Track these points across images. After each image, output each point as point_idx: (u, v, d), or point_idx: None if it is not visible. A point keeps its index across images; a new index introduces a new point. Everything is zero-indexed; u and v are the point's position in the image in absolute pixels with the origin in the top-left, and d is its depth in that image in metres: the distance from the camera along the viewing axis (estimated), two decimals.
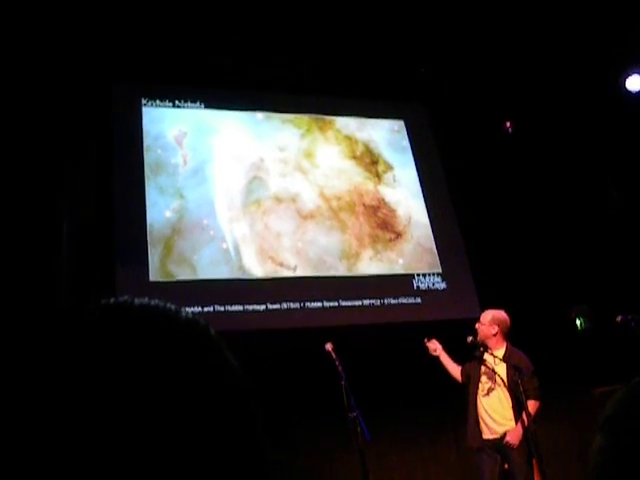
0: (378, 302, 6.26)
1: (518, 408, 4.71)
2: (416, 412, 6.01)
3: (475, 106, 7.35)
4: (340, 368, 4.55)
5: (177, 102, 6.62)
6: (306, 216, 6.48)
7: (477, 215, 7.03)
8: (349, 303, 6.16)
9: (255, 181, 6.48)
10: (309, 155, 6.85)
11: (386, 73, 7.30)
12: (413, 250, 6.71)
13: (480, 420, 4.92)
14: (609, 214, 7.34)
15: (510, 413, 4.79)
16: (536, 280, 6.73)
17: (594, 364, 6.16)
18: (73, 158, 5.92)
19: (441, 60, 7.18)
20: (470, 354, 5.15)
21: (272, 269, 6.12)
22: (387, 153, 7.21)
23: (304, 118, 7.07)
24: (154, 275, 5.73)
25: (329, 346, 4.71)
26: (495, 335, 5.02)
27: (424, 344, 5.24)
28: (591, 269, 6.91)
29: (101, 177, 6.02)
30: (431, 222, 6.88)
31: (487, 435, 4.87)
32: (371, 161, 7.10)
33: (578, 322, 6.97)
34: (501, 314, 5.12)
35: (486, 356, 5.00)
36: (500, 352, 4.98)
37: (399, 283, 6.47)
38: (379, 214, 6.78)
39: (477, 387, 4.99)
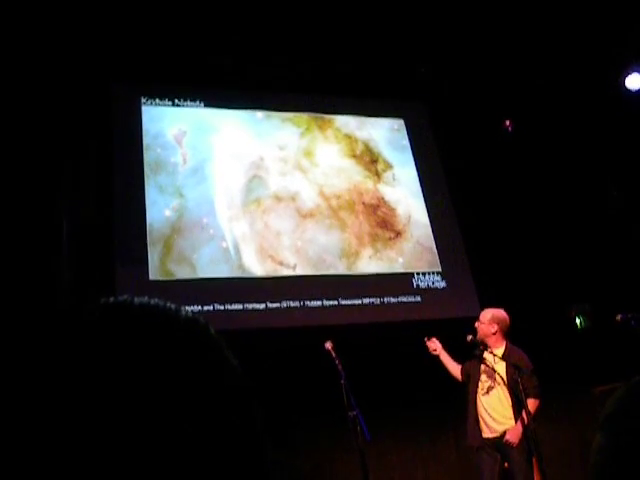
0: (378, 301, 6.27)
1: (518, 407, 4.71)
2: (416, 411, 6.01)
3: (475, 105, 7.35)
4: (340, 367, 4.55)
5: (177, 101, 6.62)
6: (306, 215, 6.48)
7: (477, 214, 7.03)
8: (349, 302, 6.16)
9: (255, 180, 6.48)
10: (309, 154, 6.85)
11: (386, 72, 7.30)
12: (413, 249, 6.72)
13: (480, 419, 4.92)
14: (609, 213, 7.34)
15: (510, 412, 4.79)
16: (536, 279, 6.73)
17: (594, 363, 6.16)
18: (73, 157, 5.92)
19: (441, 59, 7.18)
20: (470, 353, 5.15)
21: (272, 268, 6.12)
22: (387, 152, 7.21)
23: (304, 117, 7.07)
24: (154, 274, 5.73)
25: (329, 345, 4.71)
26: (494, 334, 5.02)
27: (424, 343, 5.24)
28: (591, 268, 6.91)
29: (101, 176, 6.02)
30: (431, 221, 6.88)
31: (487, 434, 4.87)
32: (371, 160, 7.10)
33: (578, 321, 6.98)
34: (500, 313, 5.12)
35: (486, 355, 5.00)
36: (499, 351, 4.98)
37: (399, 282, 6.47)
38: (379, 213, 6.78)
39: (477, 386, 4.99)
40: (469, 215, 7.00)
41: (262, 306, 5.89)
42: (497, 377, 4.85)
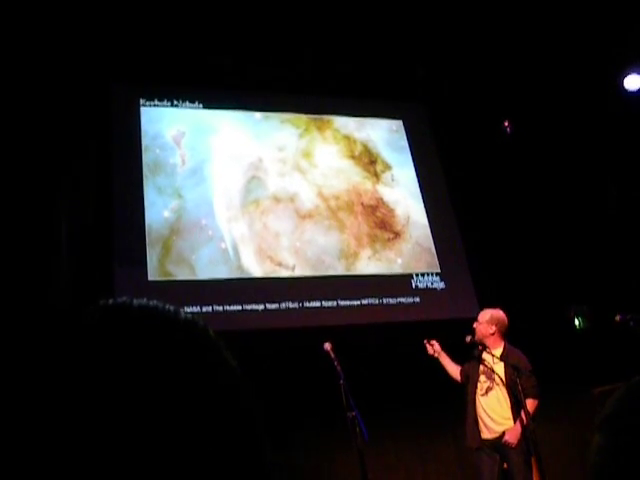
0: (377, 301, 6.27)
1: (517, 407, 4.71)
2: (415, 412, 6.01)
3: (474, 106, 7.36)
4: (339, 368, 4.55)
5: (175, 102, 6.62)
6: (304, 216, 6.48)
7: (476, 214, 7.03)
8: (348, 303, 6.16)
9: (254, 181, 6.48)
10: (307, 155, 6.85)
11: (385, 73, 7.30)
12: (412, 250, 6.72)
13: (479, 420, 4.92)
14: (608, 213, 7.35)
15: (509, 412, 4.79)
16: (535, 280, 6.73)
17: (593, 364, 6.16)
18: (72, 158, 5.92)
19: (440, 60, 7.19)
20: (469, 353, 5.15)
21: (271, 269, 6.12)
22: (385, 153, 7.21)
23: (302, 118, 7.07)
24: (153, 275, 5.73)
25: (328, 346, 4.70)
26: (493, 334, 5.02)
27: (423, 345, 5.24)
28: (590, 269, 6.92)
29: (100, 177, 6.02)
30: (430, 222, 6.89)
31: (486, 435, 4.87)
32: (369, 161, 7.10)
33: (577, 322, 6.98)
34: (499, 313, 5.12)
35: (485, 355, 5.00)
36: (498, 351, 4.98)
37: (398, 283, 6.48)
38: (377, 214, 6.78)
39: (475, 387, 4.99)
40: (468, 216, 7.01)
41: (261, 307, 5.89)
42: (496, 378, 4.85)
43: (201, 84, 6.72)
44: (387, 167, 7.12)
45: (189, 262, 5.88)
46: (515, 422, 4.72)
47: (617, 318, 5.08)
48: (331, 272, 6.29)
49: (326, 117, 7.18)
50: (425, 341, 5.24)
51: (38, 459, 0.45)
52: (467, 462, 5.60)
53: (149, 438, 0.46)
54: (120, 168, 6.13)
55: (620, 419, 0.77)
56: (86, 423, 0.46)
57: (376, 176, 7.02)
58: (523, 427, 4.62)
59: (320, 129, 7.08)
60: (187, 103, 6.65)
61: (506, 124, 7.63)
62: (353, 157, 7.05)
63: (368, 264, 6.47)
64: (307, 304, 6.04)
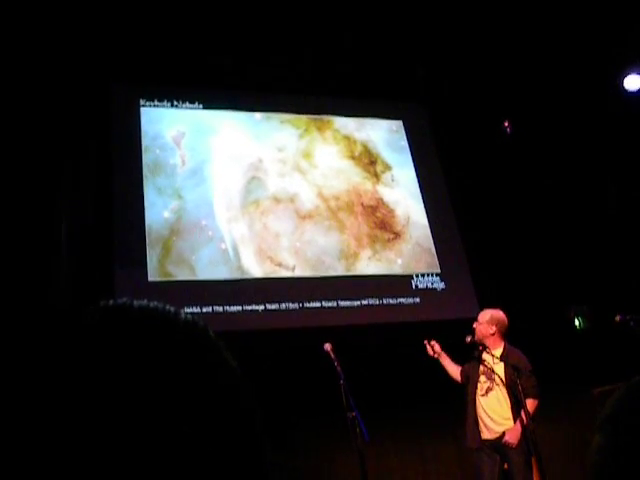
0: (377, 302, 6.27)
1: (517, 407, 4.71)
2: (415, 412, 6.01)
3: (474, 106, 7.36)
4: (339, 368, 4.55)
5: (175, 102, 6.62)
6: (304, 216, 6.48)
7: (476, 215, 7.03)
8: (348, 303, 6.16)
9: (254, 181, 6.48)
10: (307, 155, 6.85)
11: (384, 73, 7.30)
12: (412, 250, 6.72)
13: (479, 420, 4.92)
14: (608, 213, 7.35)
15: (509, 412, 4.79)
16: (535, 280, 6.73)
17: (593, 364, 6.16)
18: (72, 159, 5.92)
19: (440, 60, 7.19)
20: (469, 354, 5.15)
21: (271, 269, 6.12)
22: (386, 153, 7.21)
23: (302, 118, 7.07)
24: (153, 275, 5.73)
25: (328, 346, 4.70)
26: (493, 334, 5.02)
27: (424, 346, 5.24)
28: (590, 269, 6.91)
29: (100, 177, 6.02)
30: (430, 222, 6.89)
31: (486, 435, 4.87)
32: (369, 161, 7.10)
33: (577, 322, 6.98)
34: (499, 313, 5.12)
35: (485, 356, 5.00)
36: (498, 351, 4.98)
37: (398, 283, 6.48)
38: (377, 214, 6.78)
39: (476, 387, 4.99)
40: (468, 216, 7.01)
41: (261, 307, 5.89)
42: (496, 378, 4.85)
43: (201, 84, 6.73)
44: (387, 167, 7.12)
45: (189, 263, 5.88)
46: (515, 422, 4.72)
47: (617, 318, 5.08)
48: (331, 272, 6.29)
49: (326, 117, 7.18)
50: (425, 342, 5.24)
51: (38, 460, 0.45)
52: (467, 462, 5.60)
53: (149, 438, 0.46)
54: (120, 168, 6.13)
55: (620, 419, 0.77)
56: (87, 424, 0.46)
57: (376, 176, 7.02)
58: (523, 427, 4.62)
59: (320, 129, 7.08)
60: (187, 103, 6.65)
61: (506, 124, 7.63)
62: (353, 157, 7.05)
63: (368, 264, 6.47)
64: (307, 304, 6.04)
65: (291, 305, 5.99)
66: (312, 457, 5.80)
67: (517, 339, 5.12)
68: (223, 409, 0.51)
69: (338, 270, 6.33)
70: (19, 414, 0.47)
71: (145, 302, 0.55)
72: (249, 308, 5.86)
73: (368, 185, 6.92)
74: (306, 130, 7.01)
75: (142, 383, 0.48)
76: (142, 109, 6.47)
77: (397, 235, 6.74)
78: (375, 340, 5.92)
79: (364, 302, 6.22)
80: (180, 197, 6.13)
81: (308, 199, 6.58)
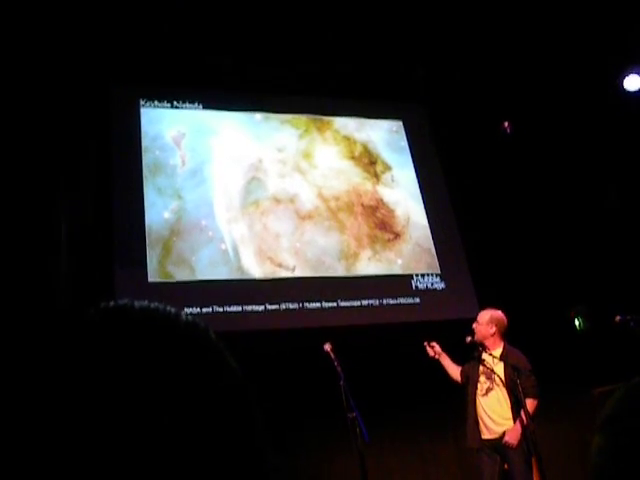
0: (377, 302, 6.27)
1: (517, 407, 4.71)
2: (415, 412, 6.01)
3: (473, 106, 7.35)
4: (339, 369, 4.55)
5: (175, 103, 6.62)
6: (304, 217, 6.48)
7: (476, 215, 7.03)
8: (348, 303, 6.16)
9: (254, 182, 6.48)
10: (307, 155, 6.85)
11: (385, 73, 7.30)
12: (412, 250, 6.72)
13: (479, 420, 4.92)
14: (608, 214, 7.35)
15: (509, 413, 4.79)
16: (535, 280, 6.73)
17: (593, 364, 6.16)
18: (72, 159, 5.92)
19: (440, 61, 7.19)
20: (469, 354, 5.15)
21: (271, 270, 6.12)
22: (386, 153, 7.21)
23: (302, 118, 7.07)
24: (153, 276, 5.73)
25: (328, 346, 4.71)
26: (493, 335, 5.02)
27: (424, 347, 5.24)
28: (590, 269, 6.91)
29: (100, 178, 6.02)
30: (430, 222, 6.89)
31: (486, 435, 4.87)
32: (369, 161, 7.10)
33: (577, 322, 6.97)
34: (498, 314, 5.13)
35: (484, 356, 5.00)
36: (498, 351, 4.98)
37: (398, 283, 6.48)
38: (378, 214, 6.78)
39: (476, 387, 4.99)
40: (468, 216, 7.01)
41: (261, 308, 5.89)
42: (496, 378, 4.85)
43: (201, 85, 6.72)
44: (387, 168, 7.12)
45: (189, 263, 5.88)
46: (515, 422, 4.72)
47: (617, 319, 5.08)
48: (331, 273, 6.29)
49: (326, 118, 7.18)
50: (425, 343, 5.24)
51: (39, 460, 0.45)
52: (467, 463, 5.61)
53: (151, 439, 0.46)
54: (120, 169, 6.14)
55: (620, 420, 0.77)
56: (88, 424, 0.46)
57: (376, 177, 7.02)
58: (523, 427, 4.62)
59: (320, 130, 7.08)
60: (187, 104, 6.65)
61: (506, 125, 7.63)
62: (353, 158, 7.05)
63: (368, 265, 6.47)
64: (307, 305, 6.04)
65: (291, 305, 5.99)
66: (312, 457, 5.80)
67: (517, 339, 5.12)
68: (224, 410, 0.51)
69: (338, 270, 6.33)
70: (21, 415, 0.47)
71: (146, 303, 0.55)
72: (249, 308, 5.86)
73: (368, 185, 6.92)
74: (306, 130, 7.01)
75: (143, 384, 0.48)
76: (142, 109, 6.47)
77: (397, 235, 6.74)
78: (375, 340, 5.92)
79: (364, 302, 6.22)
80: (180, 197, 6.13)
81: (308, 199, 6.58)
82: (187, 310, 5.43)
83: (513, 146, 7.46)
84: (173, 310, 0.56)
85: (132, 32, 6.13)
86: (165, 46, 6.37)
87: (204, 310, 5.69)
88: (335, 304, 6.12)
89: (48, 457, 0.45)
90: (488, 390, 4.92)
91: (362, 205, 6.77)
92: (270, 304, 5.93)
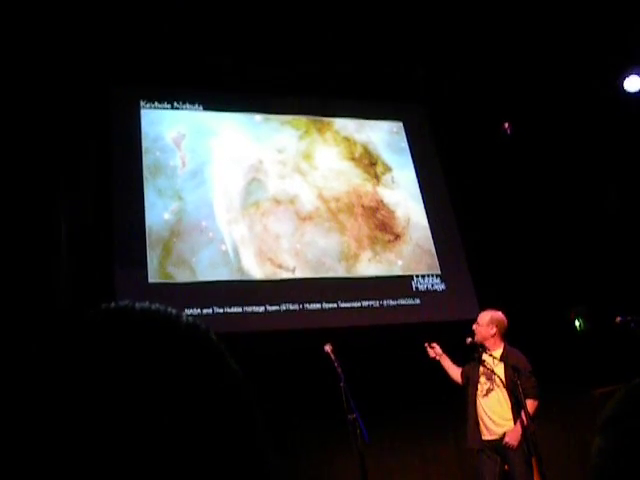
0: (377, 303, 6.26)
1: (517, 408, 4.71)
2: (415, 413, 6.01)
3: (474, 107, 7.36)
4: (339, 370, 4.55)
5: (175, 104, 6.62)
6: (305, 218, 6.48)
7: (476, 216, 7.03)
8: (348, 304, 6.16)
9: (254, 183, 6.48)
10: (308, 157, 6.85)
11: (385, 74, 7.30)
12: (412, 251, 6.71)
13: (480, 421, 4.92)
14: (608, 215, 7.35)
15: (509, 413, 4.79)
16: (535, 281, 6.73)
17: (594, 365, 6.16)
18: (72, 160, 5.92)
19: (440, 61, 7.19)
20: (469, 355, 5.15)
21: (271, 271, 6.12)
22: (386, 154, 7.21)
23: (302, 119, 7.07)
24: (153, 277, 5.73)
25: (328, 347, 4.71)
26: (493, 336, 5.02)
27: (425, 348, 5.24)
28: (590, 270, 6.91)
29: (100, 179, 6.02)
30: (430, 223, 6.88)
31: (487, 436, 4.87)
32: (370, 162, 7.10)
33: (577, 323, 6.98)
34: (498, 314, 5.13)
35: (485, 357, 5.00)
36: (498, 352, 4.98)
37: (398, 284, 6.47)
38: (378, 215, 6.78)
39: (476, 388, 4.99)
40: (468, 217, 7.01)
41: (261, 309, 5.89)
42: (496, 379, 4.85)
43: (201, 86, 6.73)
44: (387, 169, 7.12)
45: (189, 264, 5.88)
46: (515, 423, 4.72)
47: (617, 319, 5.08)
48: (331, 274, 6.29)
49: (326, 119, 7.19)
50: (426, 344, 5.24)
51: (40, 460, 0.45)
52: (468, 463, 5.60)
53: (152, 440, 0.46)
54: (120, 170, 6.14)
55: (621, 421, 0.77)
56: (89, 425, 0.46)
57: (376, 178, 7.02)
58: (523, 428, 4.62)
59: (320, 131, 7.08)
60: (187, 105, 6.65)
61: (506, 125, 7.63)
62: (353, 159, 7.05)
63: (368, 266, 6.47)
64: (307, 306, 6.04)
65: (291, 306, 5.99)
66: (312, 458, 5.80)
67: (517, 340, 5.12)
68: (225, 411, 0.51)
69: (338, 271, 6.33)
70: (23, 416, 0.47)
71: (147, 304, 0.55)
72: (249, 310, 5.85)
73: (368, 186, 6.92)
74: (306, 132, 7.01)
75: (144, 385, 0.48)
76: (142, 111, 6.47)
77: (397, 236, 6.74)
78: (375, 341, 5.92)
79: (364, 303, 6.22)
80: (180, 198, 6.14)
81: (308, 200, 6.58)
82: (187, 311, 5.43)
83: (513, 147, 7.46)
84: (174, 311, 0.56)
85: (132, 33, 6.14)
86: (165, 47, 6.37)
87: (204, 311, 5.69)
88: (335, 305, 6.12)
89: (49, 457, 0.45)
90: (488, 391, 4.92)
91: (362, 206, 6.77)
92: (270, 305, 5.93)
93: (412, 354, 5.43)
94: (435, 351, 5.21)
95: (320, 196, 6.65)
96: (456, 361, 5.24)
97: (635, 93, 7.26)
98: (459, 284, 6.65)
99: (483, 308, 5.39)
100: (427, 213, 6.93)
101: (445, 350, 5.24)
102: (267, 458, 0.53)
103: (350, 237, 6.53)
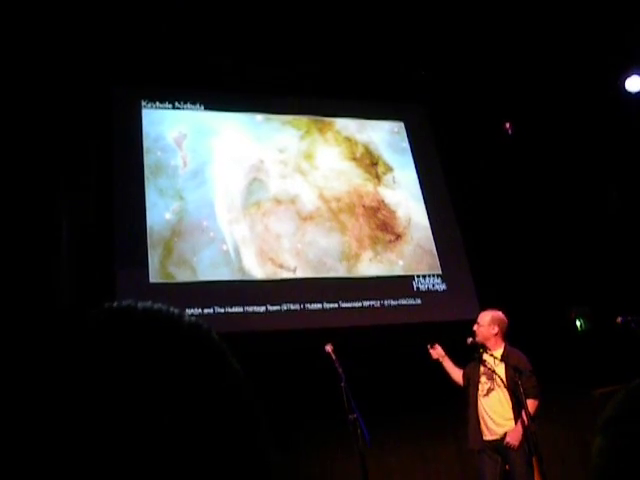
0: (378, 303, 6.26)
1: (518, 408, 4.71)
2: (416, 413, 6.00)
3: (475, 107, 7.35)
4: (340, 370, 4.55)
5: (177, 104, 6.62)
6: (306, 217, 6.48)
7: (477, 216, 7.03)
8: (349, 304, 6.16)
9: (255, 183, 6.48)
10: (309, 157, 6.85)
11: (386, 75, 7.30)
12: (413, 251, 6.71)
13: (481, 421, 4.92)
14: (609, 215, 7.34)
15: (510, 413, 4.78)
16: (536, 281, 6.73)
17: (594, 365, 6.15)
18: (73, 160, 5.92)
19: (441, 61, 7.19)
20: (470, 355, 5.15)
21: (272, 271, 6.12)
22: (387, 154, 7.21)
23: (303, 119, 7.07)
24: (154, 277, 5.73)
25: (329, 347, 4.71)
26: (495, 335, 5.02)
27: (426, 348, 5.23)
28: (591, 270, 6.91)
29: (101, 179, 6.02)
30: (431, 223, 6.88)
31: (487, 437, 4.86)
32: (371, 162, 7.10)
33: (578, 323, 6.97)
34: (499, 314, 5.12)
35: (485, 357, 5.00)
36: (499, 352, 4.97)
37: (399, 284, 6.47)
38: (379, 215, 6.78)
39: (477, 388, 4.99)
40: (469, 217, 7.00)
41: (262, 309, 5.89)
42: (497, 379, 4.84)
43: (202, 86, 6.73)
44: (388, 169, 7.12)
45: (190, 264, 5.89)
46: (516, 423, 4.72)
47: (618, 320, 5.08)
48: (332, 274, 6.29)
49: (327, 119, 7.18)
50: (428, 346, 5.23)
51: (41, 460, 0.45)
52: (468, 464, 5.60)
53: (154, 440, 0.46)
54: (121, 170, 6.14)
55: (621, 422, 0.77)
56: (90, 424, 0.46)
57: (377, 178, 7.02)
58: (524, 428, 4.62)
59: (321, 131, 7.08)
60: (188, 105, 6.65)
61: (507, 126, 7.62)
62: (354, 159, 7.05)
63: (369, 266, 6.47)
64: (308, 306, 6.04)
65: (292, 306, 5.99)
66: (313, 458, 5.80)
67: (518, 340, 5.11)
68: (226, 410, 0.51)
69: (339, 271, 6.33)
70: (25, 416, 0.47)
71: (149, 304, 0.55)
72: (250, 309, 5.86)
73: (369, 187, 6.92)
74: (307, 131, 7.01)
75: (146, 385, 0.48)
76: (143, 110, 6.47)
77: (398, 236, 6.74)
78: (376, 341, 5.92)
79: (365, 303, 6.22)
80: (181, 198, 6.14)
81: (309, 200, 6.58)
82: (188, 311, 5.43)
83: (514, 147, 7.46)
84: (176, 311, 0.56)
85: (133, 33, 6.14)
86: (166, 47, 6.37)
87: (205, 311, 5.69)
88: (336, 305, 6.12)
89: (50, 457, 0.45)
90: (489, 391, 4.92)
91: (363, 206, 6.77)
92: (271, 305, 5.93)
93: (413, 354, 5.42)
94: (437, 352, 5.21)
95: (321, 196, 6.65)
96: (457, 361, 5.24)
97: (636, 93, 7.25)
98: (460, 284, 6.64)
99: (483, 308, 5.39)
100: (428, 213, 6.93)
101: (446, 350, 5.23)
102: (268, 458, 0.53)
103: (351, 237, 6.53)
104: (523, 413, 4.62)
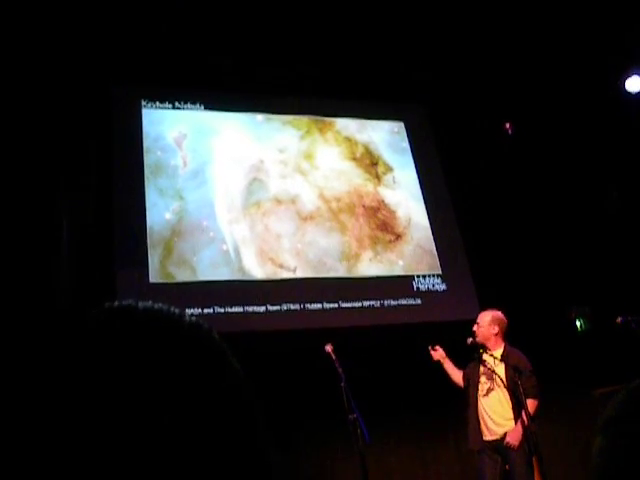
0: (378, 303, 6.26)
1: (518, 408, 4.71)
2: (416, 413, 6.01)
3: (475, 107, 7.36)
4: (340, 370, 4.55)
5: (177, 104, 6.62)
6: (306, 217, 6.48)
7: (477, 216, 7.03)
8: (349, 304, 6.16)
9: (255, 183, 6.48)
10: (309, 156, 6.85)
11: (386, 74, 7.30)
12: (413, 251, 6.71)
13: (480, 421, 4.92)
14: (609, 215, 7.34)
15: (510, 413, 4.78)
16: (536, 281, 6.73)
17: (594, 365, 6.15)
18: (73, 160, 5.92)
19: (441, 61, 7.19)
20: (470, 355, 5.15)
21: (272, 270, 6.12)
22: (387, 154, 7.21)
23: (304, 119, 7.07)
24: (154, 276, 5.73)
25: (329, 347, 4.71)
26: (496, 335, 5.02)
27: (426, 349, 5.23)
28: (591, 270, 6.91)
29: (101, 178, 6.03)
30: (431, 223, 6.88)
31: (487, 437, 4.86)
32: (371, 162, 7.10)
33: (578, 323, 6.97)
34: (499, 314, 5.12)
35: (485, 357, 4.99)
36: (498, 352, 4.97)
37: (399, 284, 6.47)
38: (379, 215, 6.78)
39: (477, 388, 4.99)
40: (469, 217, 7.01)
41: (262, 309, 5.89)
42: (497, 379, 4.84)
43: (202, 85, 6.73)
44: (388, 169, 7.12)
45: (190, 264, 5.89)
46: (516, 423, 4.71)
47: (618, 320, 5.08)
48: (332, 274, 6.29)
49: (327, 119, 7.19)
50: (429, 347, 5.23)
51: (44, 461, 0.45)
52: (468, 464, 5.60)
53: (155, 439, 0.46)
54: (121, 170, 6.14)
55: (622, 422, 0.77)
56: (90, 424, 0.46)
57: (377, 178, 7.02)
58: (524, 428, 4.62)
59: (321, 131, 7.08)
60: (188, 105, 6.65)
61: (507, 126, 7.62)
62: (354, 159, 7.05)
63: (369, 266, 6.47)
64: (308, 306, 6.04)
65: (292, 306, 6.00)
66: (313, 458, 5.80)
67: (518, 340, 5.11)
68: (227, 410, 0.51)
69: (339, 271, 6.33)
70: (25, 416, 0.47)
71: (150, 304, 0.55)
72: (250, 309, 5.86)
73: (369, 187, 6.92)
74: (307, 131, 7.01)
75: (147, 385, 0.48)
76: (144, 110, 6.47)
77: (398, 236, 6.74)
78: (376, 341, 5.92)
79: (365, 303, 6.22)
80: (181, 198, 6.14)
81: (309, 200, 6.58)
82: (188, 311, 5.40)
83: (514, 147, 7.46)
84: (177, 311, 0.56)
85: (133, 33, 6.14)
86: (166, 47, 6.37)
87: (205, 311, 5.69)
88: (336, 305, 6.12)
89: (51, 457, 0.45)
90: (489, 390, 4.91)
91: (363, 206, 6.77)
92: (271, 305, 5.93)
93: (413, 354, 5.42)
94: (438, 354, 5.21)
95: (321, 196, 6.65)
96: (457, 361, 5.23)
97: (636, 94, 7.25)
98: (460, 284, 6.65)
99: (483, 308, 5.39)
100: (428, 213, 6.93)
101: (445, 350, 5.23)
102: (268, 458, 0.53)
103: (351, 237, 6.53)
104: (523, 413, 4.62)
